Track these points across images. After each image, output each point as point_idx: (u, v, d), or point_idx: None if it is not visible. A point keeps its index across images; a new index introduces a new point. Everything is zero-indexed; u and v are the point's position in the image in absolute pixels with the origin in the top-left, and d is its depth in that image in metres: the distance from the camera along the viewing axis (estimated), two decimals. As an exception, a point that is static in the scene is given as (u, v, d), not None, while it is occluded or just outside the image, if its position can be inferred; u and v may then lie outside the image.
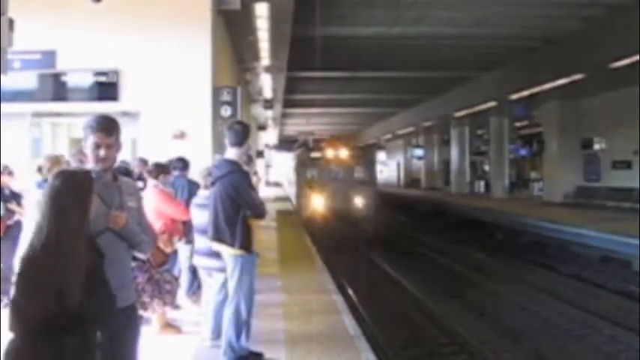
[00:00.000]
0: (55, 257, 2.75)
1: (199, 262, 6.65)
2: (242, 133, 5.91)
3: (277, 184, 55.89)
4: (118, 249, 3.50)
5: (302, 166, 25.08)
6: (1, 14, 4.70)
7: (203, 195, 6.80)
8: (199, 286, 8.05)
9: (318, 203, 23.26)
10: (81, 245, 2.85)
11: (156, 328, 6.90)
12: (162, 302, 6.49)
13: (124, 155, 7.77)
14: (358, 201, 23.19)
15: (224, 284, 6.09)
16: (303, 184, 24.26)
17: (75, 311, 2.70)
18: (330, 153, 24.31)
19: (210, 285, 6.78)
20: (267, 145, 50.39)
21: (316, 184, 23.73)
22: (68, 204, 2.91)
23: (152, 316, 6.79)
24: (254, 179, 10.49)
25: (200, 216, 6.54)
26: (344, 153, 24.31)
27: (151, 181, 7.46)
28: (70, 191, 2.95)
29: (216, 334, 6.24)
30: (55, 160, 7.00)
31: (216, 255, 6.06)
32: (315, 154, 25.08)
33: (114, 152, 3.60)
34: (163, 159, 8.58)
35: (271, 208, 28.03)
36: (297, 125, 51.10)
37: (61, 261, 2.75)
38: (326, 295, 9.46)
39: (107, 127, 3.57)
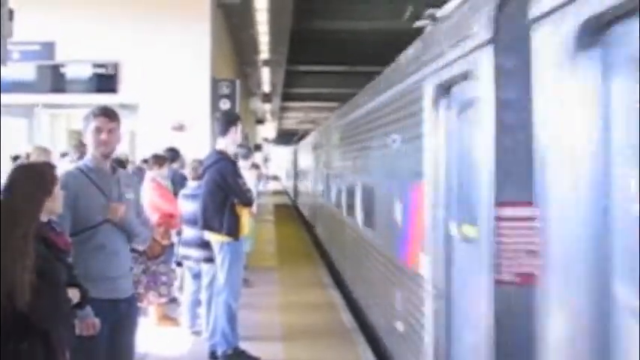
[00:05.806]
0: (5, 258, 2.60)
1: (186, 252, 6.67)
2: (224, 122, 5.93)
3: (275, 178, 55.86)
4: (116, 240, 3.52)
5: None
6: (1, 4, 4.68)
7: (191, 186, 6.84)
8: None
9: None
10: (30, 245, 2.67)
11: (153, 320, 6.91)
12: (158, 294, 6.50)
13: (121, 148, 7.75)
14: None
15: (215, 277, 6.09)
16: None
17: (23, 312, 2.58)
18: None
19: (191, 278, 6.82)
20: (265, 139, 50.31)
21: None
22: (19, 202, 2.74)
23: (149, 308, 6.81)
24: (255, 173, 10.46)
25: (188, 207, 6.58)
26: None
27: (148, 174, 7.39)
28: (24, 188, 2.78)
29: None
30: (43, 151, 6.90)
31: (205, 245, 6.10)
32: None
33: (115, 139, 3.54)
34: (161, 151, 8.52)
35: (269, 202, 28.07)
36: (295, 119, 51.05)
37: (9, 261, 2.60)
38: (322, 289, 9.48)
39: (109, 112, 3.56)
